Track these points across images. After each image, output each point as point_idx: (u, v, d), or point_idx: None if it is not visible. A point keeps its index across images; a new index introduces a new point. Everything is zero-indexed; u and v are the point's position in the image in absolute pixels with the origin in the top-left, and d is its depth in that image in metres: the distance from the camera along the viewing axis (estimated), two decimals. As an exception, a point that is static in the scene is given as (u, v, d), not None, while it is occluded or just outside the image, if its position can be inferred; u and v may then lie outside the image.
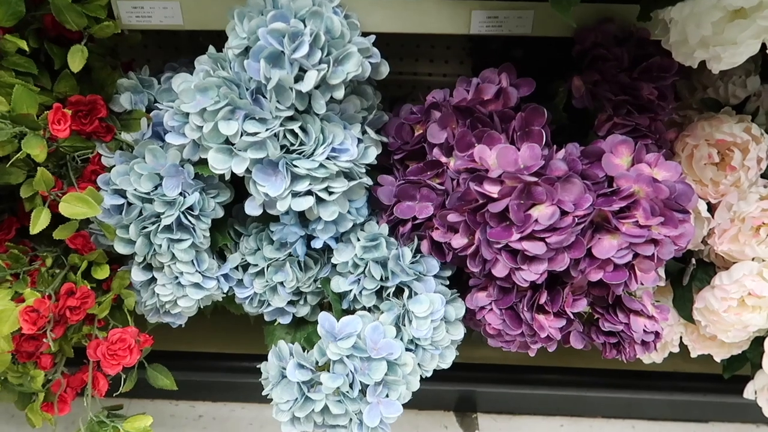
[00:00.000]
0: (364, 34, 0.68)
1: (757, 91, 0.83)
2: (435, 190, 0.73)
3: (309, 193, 0.68)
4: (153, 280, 0.78)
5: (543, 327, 0.70)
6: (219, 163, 0.66)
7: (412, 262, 0.75)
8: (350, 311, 0.77)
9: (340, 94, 0.66)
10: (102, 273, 0.77)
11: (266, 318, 0.84)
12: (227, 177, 0.69)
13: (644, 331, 0.72)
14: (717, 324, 0.80)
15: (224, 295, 0.82)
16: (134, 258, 0.76)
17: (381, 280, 0.74)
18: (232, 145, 0.65)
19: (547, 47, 0.79)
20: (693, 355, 0.91)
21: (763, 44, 0.57)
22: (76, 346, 0.79)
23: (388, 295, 0.75)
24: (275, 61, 0.63)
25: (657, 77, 0.72)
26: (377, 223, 0.76)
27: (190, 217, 0.71)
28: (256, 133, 0.64)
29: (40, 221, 0.65)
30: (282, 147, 0.66)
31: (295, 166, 0.66)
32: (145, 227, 0.72)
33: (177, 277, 0.76)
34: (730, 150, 0.77)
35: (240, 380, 1.13)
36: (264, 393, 0.74)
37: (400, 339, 0.73)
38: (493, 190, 0.65)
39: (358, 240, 0.75)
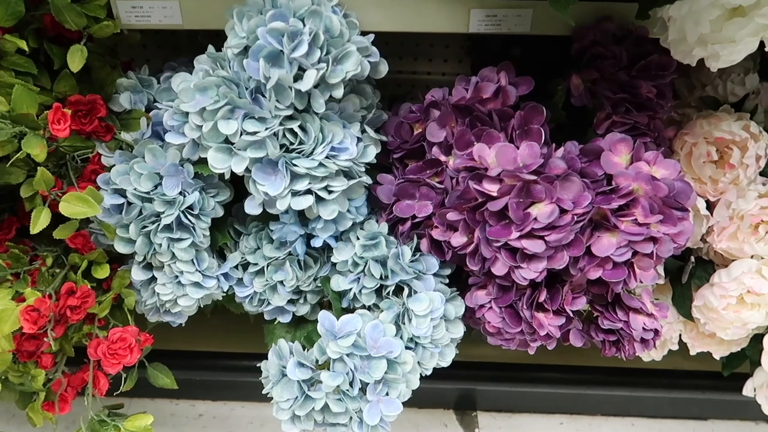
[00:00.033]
0: (363, 33, 0.68)
1: (755, 89, 0.83)
2: (434, 188, 0.73)
3: (308, 192, 0.68)
4: (153, 279, 0.78)
5: (542, 325, 0.70)
6: (219, 163, 0.66)
7: (412, 261, 0.75)
8: (350, 310, 0.77)
9: (339, 93, 0.66)
10: (102, 272, 0.77)
11: (266, 317, 0.84)
12: (227, 176, 0.69)
13: (643, 328, 0.72)
14: (716, 321, 0.81)
15: (224, 294, 0.82)
16: (134, 257, 0.76)
17: (381, 278, 0.74)
18: (232, 144, 0.66)
19: (546, 46, 0.79)
20: (692, 352, 0.91)
21: (762, 42, 0.57)
22: (76, 346, 0.80)
23: (388, 293, 0.75)
24: (274, 61, 0.63)
25: (656, 75, 0.72)
26: (377, 221, 0.77)
27: (189, 217, 0.72)
28: (255, 132, 0.64)
29: (40, 221, 0.66)
30: (281, 146, 0.66)
31: (295, 165, 0.66)
32: (145, 226, 0.72)
33: (177, 276, 0.77)
34: (728, 148, 0.77)
35: (240, 379, 1.13)
36: (264, 391, 0.74)
37: (399, 337, 0.73)
38: (492, 188, 0.65)
39: (358, 239, 0.75)
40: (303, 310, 0.83)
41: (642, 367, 1.04)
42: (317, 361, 0.72)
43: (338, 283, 0.77)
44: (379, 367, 0.69)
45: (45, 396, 0.77)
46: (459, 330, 0.77)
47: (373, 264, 0.74)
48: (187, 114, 0.66)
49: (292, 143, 0.66)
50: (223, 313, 0.88)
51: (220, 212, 0.75)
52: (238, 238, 0.80)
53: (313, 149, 0.67)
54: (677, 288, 0.86)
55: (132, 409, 0.81)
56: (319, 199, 0.69)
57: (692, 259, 0.83)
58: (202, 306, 0.83)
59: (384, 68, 0.71)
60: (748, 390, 0.89)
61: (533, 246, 0.64)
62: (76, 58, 0.67)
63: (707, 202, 0.80)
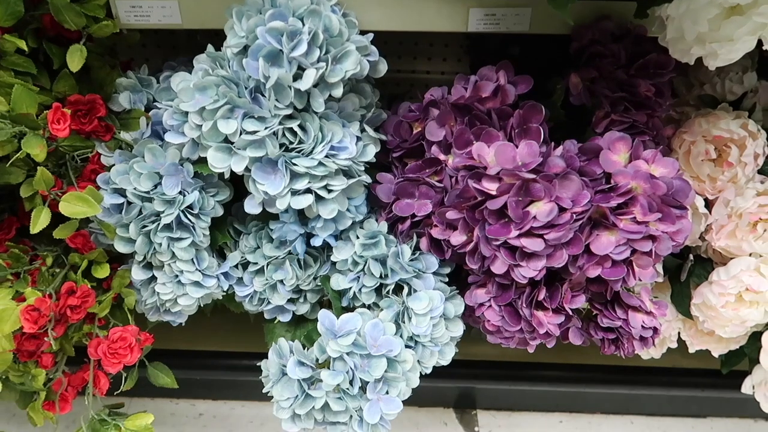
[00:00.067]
0: (362, 33, 0.68)
1: (753, 87, 0.83)
2: (434, 187, 0.73)
3: (308, 191, 0.68)
4: (153, 278, 0.78)
5: (542, 323, 0.70)
6: (218, 162, 0.66)
7: (412, 260, 0.75)
8: (350, 309, 0.77)
9: (338, 92, 0.66)
10: (102, 272, 0.77)
11: (266, 316, 0.84)
12: (227, 175, 0.69)
13: (642, 326, 0.72)
14: (715, 319, 0.81)
15: (224, 294, 0.82)
16: (134, 257, 0.76)
17: (380, 277, 0.74)
18: (232, 143, 0.66)
19: (545, 45, 0.79)
20: (691, 350, 0.91)
21: (759, 40, 0.57)
22: (76, 345, 0.80)
23: (388, 292, 0.76)
24: (274, 60, 0.63)
25: (654, 74, 0.72)
26: (376, 220, 0.77)
27: (189, 216, 0.72)
28: (255, 132, 0.64)
29: (40, 221, 0.66)
30: (281, 145, 0.66)
31: (294, 164, 0.66)
32: (144, 226, 0.72)
33: (177, 276, 0.77)
34: (727, 146, 0.77)
35: (240, 378, 1.13)
36: (264, 390, 0.74)
37: (399, 336, 0.73)
38: (491, 187, 0.65)
39: (358, 238, 0.75)
40: (303, 309, 0.83)
41: (641, 365, 1.04)
42: (317, 359, 0.72)
43: (338, 281, 0.77)
44: (379, 365, 0.69)
45: (45, 395, 0.77)
46: (459, 328, 0.77)
47: (372, 263, 0.74)
48: (186, 113, 0.66)
49: (291, 142, 0.67)
50: (223, 312, 0.88)
51: (220, 211, 0.75)
52: (237, 238, 0.80)
53: (313, 148, 0.67)
54: (676, 286, 0.86)
55: (132, 408, 0.82)
56: (318, 198, 0.69)
57: (691, 257, 0.84)
58: (202, 305, 0.83)
59: (383, 67, 0.71)
60: (746, 387, 0.89)
61: (532, 244, 0.64)
62: (75, 58, 0.67)
63: (706, 200, 0.80)
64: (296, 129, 0.66)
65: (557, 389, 1.14)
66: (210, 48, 0.69)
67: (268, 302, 0.81)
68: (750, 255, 0.78)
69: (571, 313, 0.71)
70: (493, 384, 1.15)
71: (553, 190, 0.64)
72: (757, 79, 0.83)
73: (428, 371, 0.77)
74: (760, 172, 0.80)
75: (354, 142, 0.69)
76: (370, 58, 0.68)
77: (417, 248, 0.76)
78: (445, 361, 0.78)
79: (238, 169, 0.66)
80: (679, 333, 0.90)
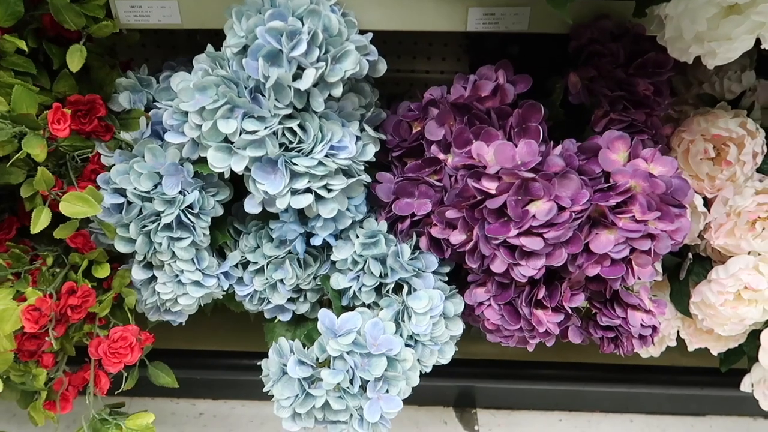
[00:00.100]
0: (362, 32, 0.68)
1: (752, 86, 0.83)
2: (433, 186, 0.73)
3: (308, 190, 0.68)
4: (153, 278, 0.78)
5: (541, 322, 0.70)
6: (218, 162, 0.66)
7: (411, 259, 0.75)
8: (350, 308, 0.77)
9: (338, 91, 0.66)
10: (102, 272, 0.77)
11: (266, 315, 0.84)
12: (227, 175, 0.69)
13: (642, 325, 0.72)
14: (714, 318, 0.81)
15: (224, 293, 0.82)
16: (134, 256, 0.77)
17: (380, 276, 0.75)
18: (231, 143, 0.66)
19: (544, 44, 0.79)
20: (690, 348, 0.91)
21: (758, 39, 0.58)
22: (77, 345, 0.80)
23: (388, 291, 0.76)
24: (273, 60, 0.63)
25: (653, 73, 0.72)
26: (376, 220, 0.77)
27: (189, 216, 0.72)
28: (255, 132, 0.64)
29: (40, 221, 0.66)
30: (281, 145, 0.66)
31: (294, 163, 0.66)
32: (145, 226, 0.72)
33: (177, 275, 0.77)
34: (725, 145, 0.77)
35: (240, 378, 1.13)
36: (265, 389, 0.75)
37: (399, 335, 0.73)
38: (490, 186, 0.66)
39: (357, 237, 0.76)
40: (303, 308, 0.83)
41: (640, 364, 1.04)
42: (317, 358, 0.72)
43: (338, 281, 0.77)
44: (379, 364, 0.70)
45: (46, 395, 0.78)
46: (458, 327, 0.78)
47: (372, 262, 0.74)
48: (186, 113, 0.66)
49: (291, 142, 0.67)
50: (223, 311, 0.89)
51: (220, 211, 0.76)
52: (237, 237, 0.80)
53: (313, 148, 0.67)
54: (675, 284, 0.86)
55: (132, 408, 0.82)
56: (318, 198, 0.69)
57: (690, 255, 0.84)
58: (202, 305, 0.83)
59: (383, 67, 0.71)
60: (745, 386, 0.89)
61: (532, 243, 0.64)
62: (75, 58, 0.67)
63: (704, 198, 0.80)
64: (296, 128, 0.66)
65: (557, 388, 1.15)
66: (210, 48, 0.69)
67: (268, 301, 0.81)
68: (749, 253, 0.78)
69: (570, 311, 0.71)
70: (493, 383, 1.15)
71: (552, 189, 0.64)
72: (756, 77, 0.84)
73: (428, 370, 0.78)
74: (758, 170, 0.80)
75: (353, 142, 0.69)
76: (369, 58, 0.68)
77: (417, 247, 0.76)
78: (445, 359, 0.78)
79: (238, 168, 0.66)
80: (678, 331, 0.90)
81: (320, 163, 0.67)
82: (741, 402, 1.11)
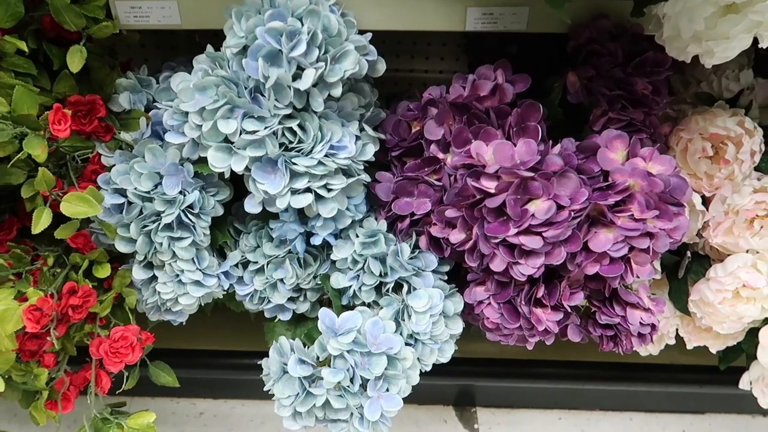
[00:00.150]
0: (361, 32, 0.68)
1: (750, 84, 0.84)
2: (433, 186, 0.73)
3: (308, 190, 0.68)
4: (154, 278, 0.79)
5: (541, 320, 0.71)
6: (218, 162, 0.67)
7: (411, 258, 0.75)
8: (350, 307, 0.77)
9: (337, 91, 0.66)
10: (103, 272, 0.78)
11: (266, 315, 0.84)
12: (227, 175, 0.69)
13: (640, 323, 0.72)
14: (712, 316, 0.81)
15: (225, 293, 0.82)
16: (135, 256, 0.77)
17: (380, 275, 0.75)
18: (232, 143, 0.66)
19: (542, 43, 0.80)
20: (689, 346, 0.91)
21: (755, 38, 0.58)
22: (78, 345, 0.80)
23: (387, 290, 0.76)
24: (273, 60, 0.63)
25: (651, 72, 0.72)
26: (376, 219, 0.77)
27: (190, 216, 0.72)
28: (255, 132, 0.64)
29: (41, 221, 0.66)
30: (281, 145, 0.67)
31: (294, 163, 0.66)
32: (145, 226, 0.72)
33: (178, 275, 0.77)
34: (723, 143, 0.77)
35: (240, 377, 1.14)
36: (266, 389, 0.75)
37: (399, 334, 0.73)
38: (490, 185, 0.66)
39: (357, 236, 0.76)
40: (303, 307, 0.83)
41: (639, 362, 1.04)
42: (318, 357, 0.73)
43: (338, 280, 0.77)
44: (379, 363, 0.70)
45: (48, 395, 0.78)
46: (458, 326, 0.78)
47: (372, 261, 0.74)
48: (186, 113, 0.67)
49: (291, 142, 0.67)
50: (224, 311, 0.89)
51: (220, 211, 0.76)
52: (238, 237, 0.81)
53: (312, 148, 0.67)
54: (674, 283, 0.86)
55: (133, 407, 0.82)
56: (318, 197, 0.70)
57: (688, 254, 0.84)
58: (202, 304, 0.83)
59: (382, 67, 0.71)
60: (744, 383, 0.89)
61: (531, 242, 0.64)
62: (75, 59, 0.67)
63: (703, 197, 0.80)
64: (296, 128, 0.66)
65: (556, 386, 1.15)
66: (209, 48, 0.69)
67: (269, 301, 0.81)
68: (747, 252, 0.79)
69: (569, 310, 0.71)
70: (493, 381, 1.15)
71: (551, 188, 0.64)
72: (754, 76, 0.84)
73: (428, 369, 0.78)
74: (756, 169, 0.80)
75: (353, 141, 0.69)
76: (368, 58, 0.68)
77: (416, 246, 0.77)
78: (445, 358, 0.78)
79: (238, 168, 0.66)
80: (677, 329, 0.90)
81: (320, 162, 0.67)
82: (740, 400, 1.12)
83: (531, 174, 0.64)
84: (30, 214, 0.67)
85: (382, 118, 0.77)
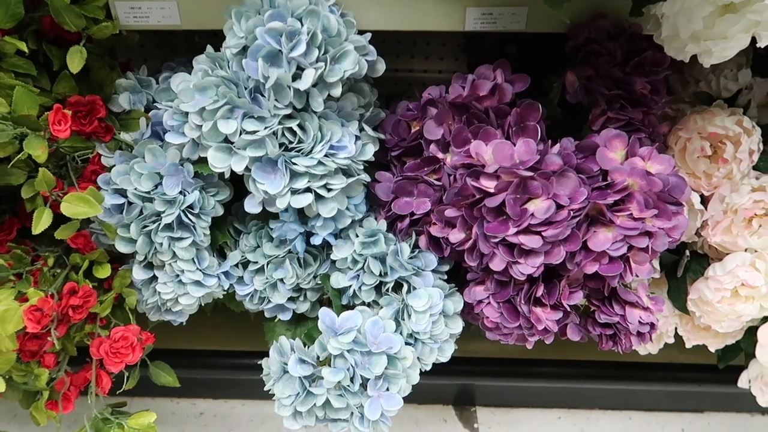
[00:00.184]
0: (360, 32, 0.68)
1: (748, 84, 0.84)
2: (432, 185, 0.74)
3: (308, 190, 0.69)
4: (154, 278, 0.79)
5: (540, 319, 0.71)
6: (218, 162, 0.67)
7: (411, 258, 0.75)
8: (350, 306, 0.78)
9: (337, 91, 0.66)
10: (103, 272, 0.78)
11: (266, 314, 0.84)
12: (227, 175, 0.70)
13: (640, 322, 0.72)
14: (711, 314, 0.81)
15: (225, 293, 0.82)
16: (135, 257, 0.77)
17: (380, 275, 0.75)
18: (232, 143, 0.66)
19: (542, 43, 0.80)
20: (688, 345, 0.91)
21: (753, 38, 0.58)
22: (78, 345, 0.80)
23: (387, 290, 0.76)
24: (273, 60, 0.63)
25: (650, 71, 0.72)
26: (375, 219, 0.77)
27: (190, 216, 0.72)
28: (255, 132, 0.65)
29: (42, 221, 0.66)
30: (281, 145, 0.67)
31: (294, 163, 0.66)
32: (145, 226, 0.72)
33: (178, 275, 0.77)
34: (722, 143, 0.78)
35: (240, 377, 1.14)
36: (266, 388, 0.75)
37: (399, 333, 0.73)
38: (489, 185, 0.66)
39: (357, 236, 0.76)
40: (303, 307, 0.83)
41: (638, 361, 1.05)
42: (318, 357, 0.73)
43: (338, 280, 0.78)
44: (379, 362, 0.70)
45: (48, 395, 0.78)
46: (458, 325, 0.78)
47: (372, 261, 0.75)
48: (186, 114, 0.67)
49: (291, 142, 0.67)
50: (224, 311, 0.89)
51: (220, 211, 0.76)
52: (238, 237, 0.81)
53: (312, 148, 0.67)
54: (672, 282, 0.86)
55: (133, 408, 0.82)
56: (318, 197, 0.70)
57: (687, 253, 0.84)
58: (202, 304, 0.83)
59: (381, 67, 0.71)
60: (743, 382, 0.90)
61: (530, 241, 0.65)
62: (75, 59, 0.67)
63: (701, 196, 0.81)
64: (296, 128, 0.66)
65: (556, 385, 1.15)
66: (209, 48, 0.69)
67: (269, 301, 0.82)
68: (745, 250, 0.79)
69: (569, 309, 0.71)
70: (492, 381, 1.15)
71: (550, 188, 0.64)
72: (752, 75, 0.84)
73: (428, 368, 0.78)
74: (755, 168, 0.80)
75: (353, 141, 0.70)
76: (368, 58, 0.68)
77: (416, 246, 0.77)
78: (445, 357, 0.78)
79: (238, 168, 0.67)
80: (675, 328, 0.91)
81: (320, 162, 0.67)
82: (738, 398, 1.12)
83: (530, 173, 0.64)
84: (30, 215, 0.67)
85: (382, 118, 0.77)
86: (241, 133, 0.65)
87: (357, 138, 0.71)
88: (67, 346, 0.78)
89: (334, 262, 0.78)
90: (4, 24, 0.64)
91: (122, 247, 0.74)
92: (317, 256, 0.81)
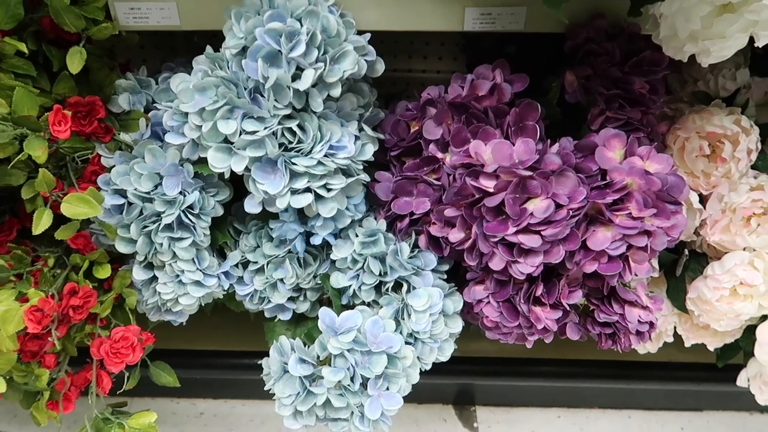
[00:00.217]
0: (360, 33, 0.68)
1: (746, 83, 0.84)
2: (432, 185, 0.74)
3: (308, 190, 0.69)
4: (154, 278, 0.79)
5: (539, 319, 0.71)
6: (218, 162, 0.67)
7: (410, 257, 0.76)
8: (350, 306, 0.78)
9: (336, 92, 0.67)
10: (103, 272, 0.78)
11: (266, 314, 0.84)
12: (227, 175, 0.70)
13: (639, 321, 0.73)
14: (710, 313, 0.82)
15: (225, 293, 0.82)
16: (135, 257, 0.77)
17: (380, 275, 0.75)
18: (231, 143, 0.66)
19: (540, 43, 0.80)
20: (687, 344, 0.92)
21: (751, 37, 0.58)
22: (78, 345, 0.80)
23: (387, 289, 0.76)
24: (273, 61, 0.63)
25: (648, 71, 0.73)
26: (375, 219, 0.77)
27: (190, 216, 0.72)
28: (254, 132, 0.65)
29: (42, 222, 0.66)
30: (280, 145, 0.67)
31: (294, 163, 0.66)
32: (145, 226, 0.73)
33: (178, 276, 0.77)
34: (720, 142, 0.78)
35: (240, 377, 1.14)
36: (266, 388, 0.75)
37: (399, 333, 0.74)
38: (488, 184, 0.66)
39: (357, 236, 0.76)
40: (303, 307, 0.83)
41: (638, 360, 1.05)
42: (318, 357, 0.73)
43: (338, 280, 0.78)
44: (379, 362, 0.70)
45: (49, 395, 0.78)
46: (457, 325, 0.78)
47: (372, 261, 0.75)
48: (186, 114, 0.67)
49: (290, 142, 0.67)
50: (224, 311, 0.89)
51: (220, 211, 0.76)
52: (238, 237, 0.81)
53: (312, 148, 0.67)
54: (671, 281, 0.87)
55: (133, 408, 0.82)
56: (318, 197, 0.70)
57: (686, 252, 0.84)
58: (202, 304, 0.83)
59: (380, 67, 0.71)
60: (742, 380, 0.90)
61: (530, 241, 0.65)
62: (75, 60, 0.68)
63: (700, 195, 0.81)
64: (295, 129, 0.66)
65: (555, 384, 1.15)
66: (209, 49, 0.69)
67: (269, 301, 0.82)
68: (744, 249, 0.79)
69: (568, 308, 0.72)
70: (492, 380, 1.15)
71: (549, 187, 0.65)
72: (750, 75, 0.84)
73: (428, 367, 0.78)
74: (753, 167, 0.80)
75: (352, 141, 0.70)
76: (367, 58, 0.68)
77: (416, 246, 0.77)
78: (445, 357, 0.79)
79: (238, 169, 0.67)
80: (674, 327, 0.91)
81: (319, 162, 0.67)
82: (737, 397, 1.12)
83: (529, 173, 0.64)
84: (30, 216, 0.67)
85: (381, 118, 0.77)
86: (240, 134, 0.65)
87: (356, 138, 0.72)
88: (67, 346, 0.78)
89: (333, 261, 0.79)
90: (4, 25, 0.64)
91: (122, 248, 0.75)
92: (317, 255, 0.81)
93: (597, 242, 0.66)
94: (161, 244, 0.73)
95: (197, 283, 0.77)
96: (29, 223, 0.67)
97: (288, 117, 0.67)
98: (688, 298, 0.84)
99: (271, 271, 0.79)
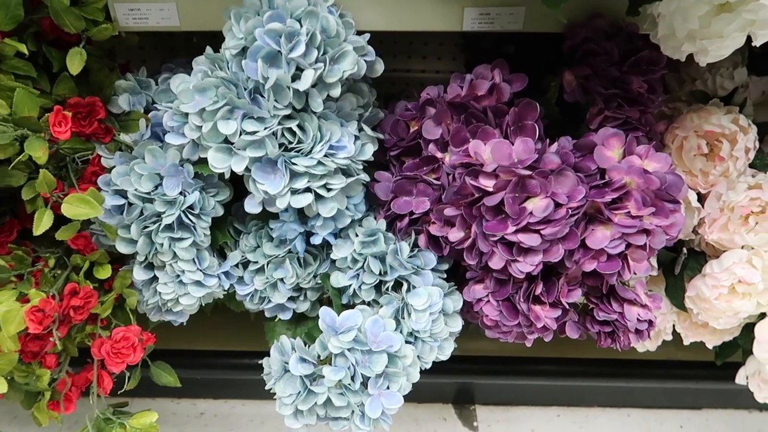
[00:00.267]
0: (359, 33, 0.68)
1: (744, 82, 0.84)
2: (431, 185, 0.74)
3: (308, 190, 0.69)
4: (155, 278, 0.79)
5: (539, 317, 0.71)
6: (218, 162, 0.67)
7: (410, 257, 0.76)
8: (350, 306, 0.78)
9: (336, 92, 0.67)
10: (104, 273, 0.78)
11: (267, 314, 0.84)
12: (227, 176, 0.70)
13: (638, 319, 0.73)
14: (708, 311, 0.82)
15: (225, 293, 0.83)
16: (136, 257, 0.77)
17: (380, 274, 0.75)
18: (231, 144, 0.66)
19: (539, 43, 0.80)
20: (686, 342, 0.92)
21: (749, 37, 0.58)
22: (79, 346, 0.80)
23: (387, 289, 0.76)
24: (272, 61, 0.64)
25: (646, 70, 0.73)
26: (375, 218, 0.77)
27: (190, 216, 0.72)
28: (254, 132, 0.65)
29: (42, 223, 0.66)
30: (280, 145, 0.67)
31: (294, 163, 0.67)
32: (146, 227, 0.73)
33: (178, 276, 0.77)
34: (718, 141, 0.78)
35: (241, 377, 1.14)
36: (267, 387, 0.75)
37: (399, 332, 0.74)
38: (488, 183, 0.66)
39: (357, 236, 0.76)
40: (303, 307, 0.84)
41: (637, 358, 1.05)
42: (319, 356, 0.73)
43: (338, 279, 0.78)
44: (379, 361, 0.70)
45: (50, 396, 0.78)
46: (457, 324, 0.78)
47: (372, 260, 0.75)
48: (186, 115, 0.67)
49: (290, 142, 0.67)
50: (224, 311, 0.89)
51: (221, 211, 0.76)
52: (238, 237, 0.81)
53: (312, 148, 0.68)
54: (670, 279, 0.87)
55: (133, 408, 0.82)
56: (318, 197, 0.70)
57: (684, 250, 0.85)
58: (203, 304, 0.83)
59: (380, 67, 0.71)
60: (740, 378, 0.90)
61: (529, 240, 0.65)
62: (75, 61, 0.68)
63: (698, 194, 0.81)
64: (295, 129, 0.67)
65: (555, 383, 1.15)
66: (209, 49, 0.69)
67: (269, 301, 0.82)
68: (742, 247, 0.79)
69: (567, 307, 0.72)
70: (492, 379, 1.16)
71: (548, 186, 0.65)
72: (748, 74, 0.84)
73: (428, 366, 0.78)
74: (751, 166, 0.81)
75: (352, 141, 0.70)
76: (367, 58, 0.69)
77: (415, 245, 0.77)
78: (445, 356, 0.79)
79: (239, 169, 0.67)
80: (673, 325, 0.91)
81: (319, 162, 0.67)
82: (736, 395, 1.13)
83: (529, 172, 0.65)
84: (30, 216, 0.68)
85: (381, 118, 0.77)
86: (240, 134, 0.65)
87: (356, 138, 0.72)
88: (68, 346, 0.79)
89: (333, 261, 0.79)
90: (4, 26, 0.64)
91: (123, 248, 0.75)
92: (317, 255, 0.81)
93: (596, 241, 0.66)
94: (162, 245, 0.73)
95: (198, 283, 0.78)
96: (30, 223, 0.67)
97: (288, 117, 0.67)
98: (686, 296, 0.84)
99: (271, 271, 0.79)
